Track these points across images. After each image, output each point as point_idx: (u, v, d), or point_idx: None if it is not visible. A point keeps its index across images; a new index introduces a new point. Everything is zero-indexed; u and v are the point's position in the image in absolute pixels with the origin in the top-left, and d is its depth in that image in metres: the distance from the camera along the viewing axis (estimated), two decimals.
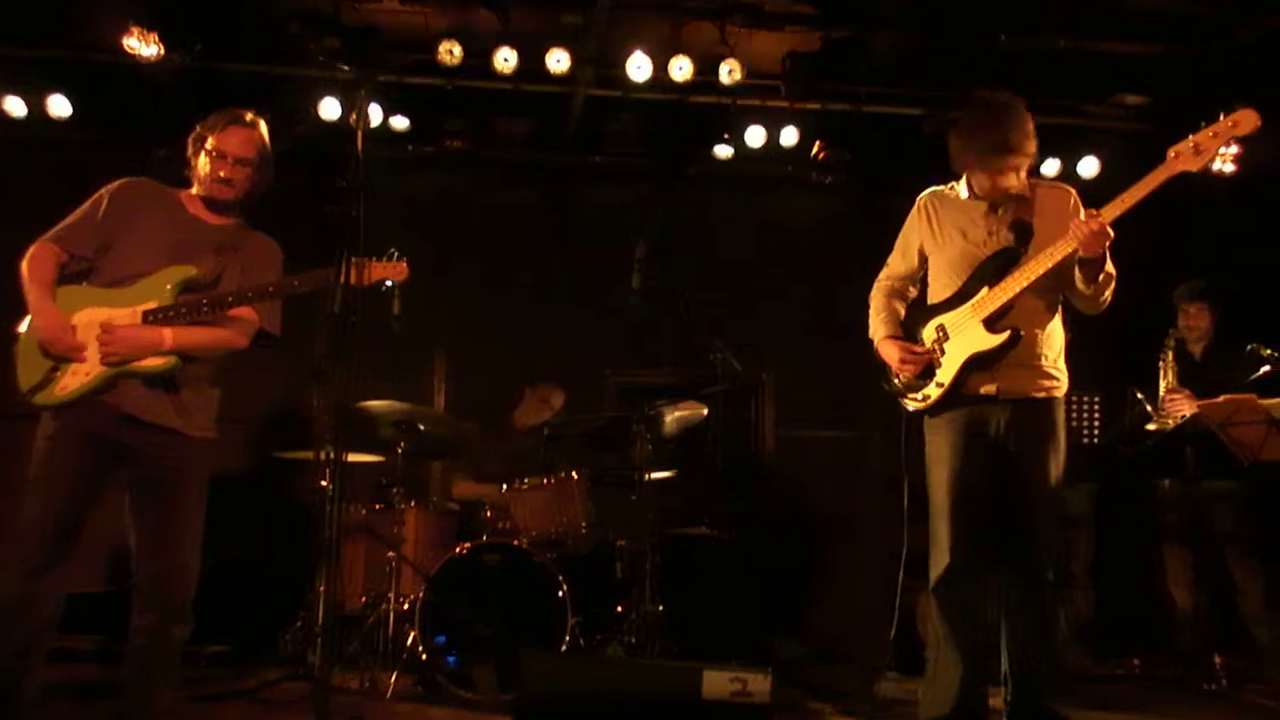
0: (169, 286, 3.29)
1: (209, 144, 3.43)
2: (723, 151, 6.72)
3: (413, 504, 5.18)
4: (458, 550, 4.66)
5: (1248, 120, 3.25)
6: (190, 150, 3.49)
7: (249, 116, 3.50)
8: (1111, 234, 3.37)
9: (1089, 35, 5.59)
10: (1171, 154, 3.33)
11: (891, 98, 6.25)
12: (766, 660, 4.55)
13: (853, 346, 4.19)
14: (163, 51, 5.55)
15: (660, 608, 4.86)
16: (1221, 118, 3.28)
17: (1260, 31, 5.36)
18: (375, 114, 6.21)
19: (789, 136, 6.53)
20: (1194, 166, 3.31)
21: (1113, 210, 3.37)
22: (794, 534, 6.68)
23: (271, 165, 3.53)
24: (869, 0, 5.49)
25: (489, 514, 5.04)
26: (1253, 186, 6.47)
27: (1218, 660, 5.05)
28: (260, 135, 3.50)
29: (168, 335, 3.25)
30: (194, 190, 3.49)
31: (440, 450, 5.66)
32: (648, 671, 3.15)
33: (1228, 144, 3.33)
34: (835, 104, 6.35)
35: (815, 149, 6.57)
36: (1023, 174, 3.73)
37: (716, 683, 2.79)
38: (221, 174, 3.42)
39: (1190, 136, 3.31)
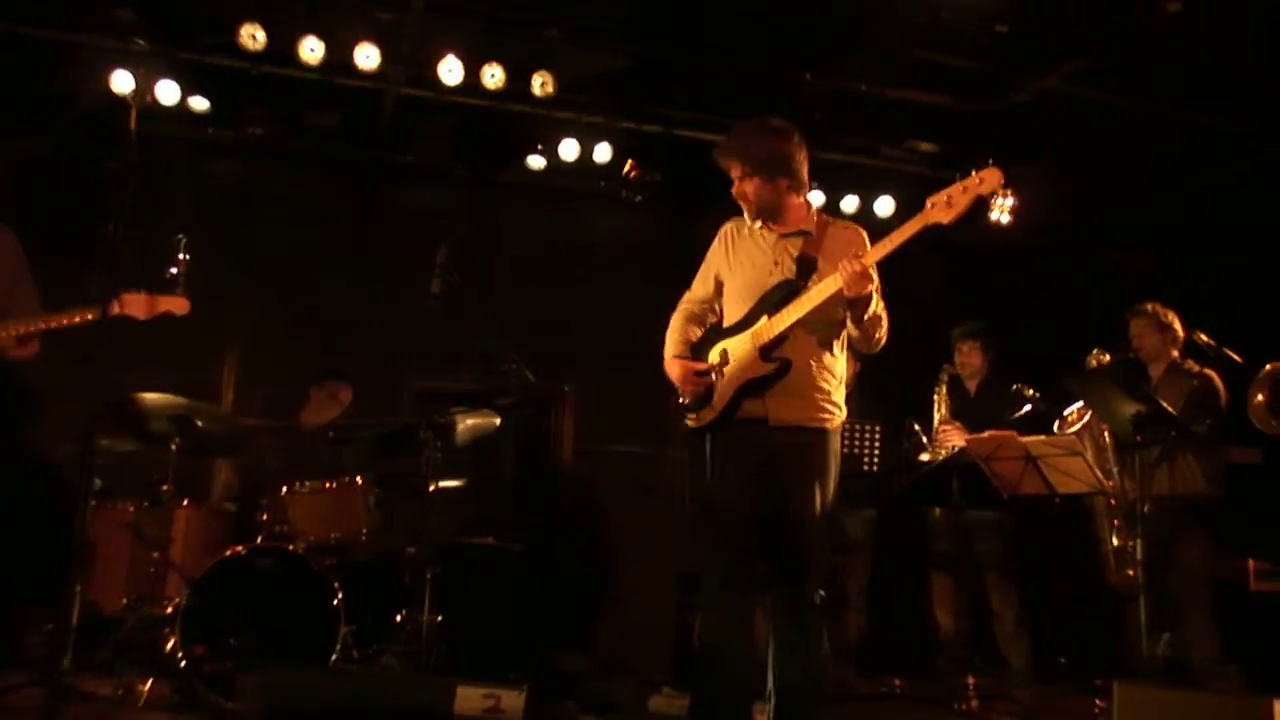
0: None
1: None
2: (535, 162, 6.72)
3: (185, 503, 4.95)
4: (228, 553, 4.47)
5: (992, 179, 3.37)
6: None
7: None
8: (874, 276, 3.50)
9: (886, 82, 5.88)
10: (929, 204, 3.46)
11: (702, 124, 6.39)
12: (546, 673, 4.55)
13: (655, 363, 4.24)
14: None
15: (439, 618, 4.79)
16: (972, 174, 3.41)
17: (1037, 94, 5.76)
18: (173, 92, 5.94)
19: (602, 153, 6.59)
20: (946, 219, 3.41)
21: (874, 254, 3.51)
22: (584, 547, 6.66)
23: None
24: (683, 27, 5.59)
25: (265, 517, 4.86)
26: (1032, 236, 6.95)
27: (970, 681, 5.32)
28: None
29: None
30: None
31: (218, 448, 5.42)
32: (398, 685, 3.10)
33: (982, 199, 3.49)
34: (648, 125, 6.45)
35: (626, 167, 6.64)
36: (812, 210, 3.88)
37: (469, 699, 2.76)
38: None
39: (944, 190, 3.44)
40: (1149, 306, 5.24)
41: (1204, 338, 4.93)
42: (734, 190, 3.79)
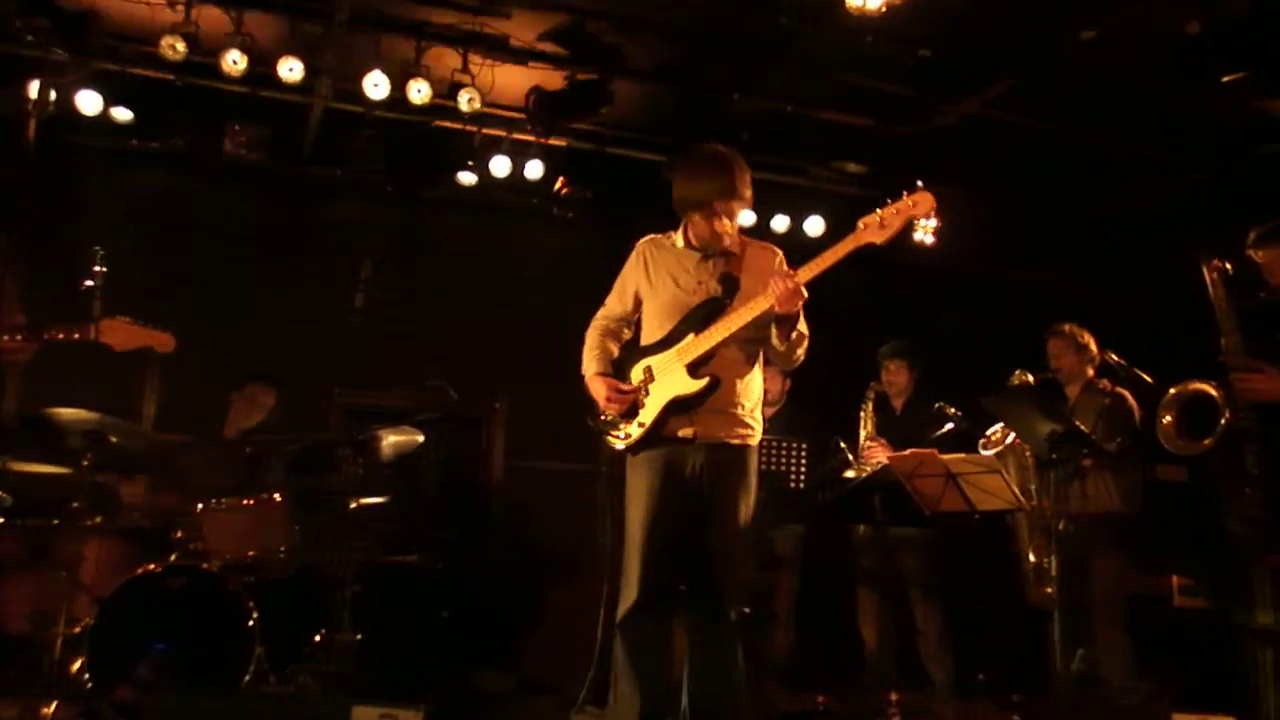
0: None
1: None
2: (467, 178, 6.68)
3: (96, 520, 4.83)
4: (139, 572, 4.37)
5: (924, 202, 3.46)
6: None
7: None
8: (805, 294, 3.53)
9: (813, 104, 5.95)
10: (861, 225, 3.53)
11: (633, 142, 6.41)
12: (466, 693, 4.50)
13: (584, 380, 4.23)
14: None
15: (359, 637, 4.73)
16: (904, 196, 3.48)
17: (960, 117, 5.87)
18: (95, 103, 5.84)
19: (534, 169, 6.57)
20: (879, 239, 3.49)
21: (807, 272, 3.54)
22: (512, 565, 6.65)
23: None
24: (613, 47, 5.61)
25: (180, 534, 4.76)
26: (957, 257, 7.04)
27: (893, 697, 5.35)
28: None
29: None
30: None
31: (134, 464, 5.31)
32: (292, 707, 3.05)
33: (914, 221, 3.54)
34: (581, 143, 6.47)
35: (558, 184, 6.66)
36: (734, 229, 3.91)
37: (366, 718, 2.73)
38: None
39: (877, 210, 3.50)
40: (1066, 327, 5.34)
41: (1115, 358, 5.04)
42: (716, 225, 3.74)
